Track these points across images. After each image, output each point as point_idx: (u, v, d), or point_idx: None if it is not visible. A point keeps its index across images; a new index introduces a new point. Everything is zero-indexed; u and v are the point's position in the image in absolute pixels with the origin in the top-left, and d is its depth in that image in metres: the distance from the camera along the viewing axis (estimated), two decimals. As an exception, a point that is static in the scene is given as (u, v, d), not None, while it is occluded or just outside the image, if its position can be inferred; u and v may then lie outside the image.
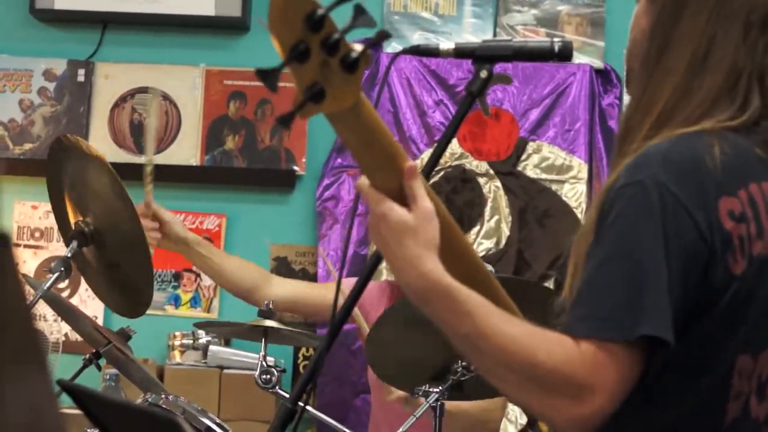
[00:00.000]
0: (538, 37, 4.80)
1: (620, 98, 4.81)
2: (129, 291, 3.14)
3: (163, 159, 4.95)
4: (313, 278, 4.86)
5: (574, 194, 4.73)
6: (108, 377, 3.31)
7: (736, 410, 1.68)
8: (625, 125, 1.76)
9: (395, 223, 1.62)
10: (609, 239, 1.61)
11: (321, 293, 3.54)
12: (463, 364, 2.99)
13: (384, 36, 1.46)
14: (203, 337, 4.66)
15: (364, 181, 1.65)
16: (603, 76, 4.83)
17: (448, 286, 1.61)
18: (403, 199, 1.63)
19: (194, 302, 4.91)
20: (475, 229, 4.76)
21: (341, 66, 1.47)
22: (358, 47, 1.47)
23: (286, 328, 3.24)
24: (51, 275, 3.02)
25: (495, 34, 4.87)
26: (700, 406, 1.67)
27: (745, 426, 1.69)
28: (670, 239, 1.58)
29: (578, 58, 4.75)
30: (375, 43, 1.46)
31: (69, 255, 3.04)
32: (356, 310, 3.58)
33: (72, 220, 3.11)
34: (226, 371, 4.51)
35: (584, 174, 4.73)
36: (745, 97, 1.71)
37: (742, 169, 1.68)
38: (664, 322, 1.56)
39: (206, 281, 4.92)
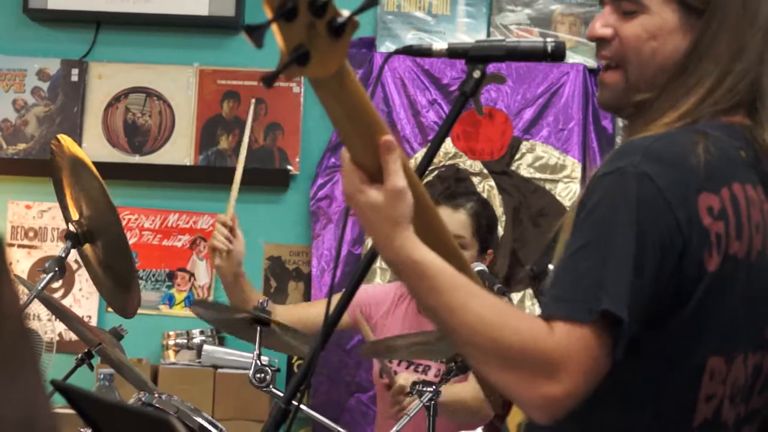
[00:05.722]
0: (532, 37, 4.80)
1: (614, 97, 4.81)
2: (122, 292, 3.15)
3: (156, 159, 4.95)
4: (306, 278, 4.87)
5: (568, 193, 4.74)
6: (102, 377, 3.31)
7: (707, 412, 1.68)
8: (647, 115, 1.76)
9: (364, 203, 1.64)
10: (586, 227, 1.63)
11: (320, 311, 3.53)
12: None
13: (372, 2, 1.45)
14: (197, 337, 4.66)
15: (345, 152, 1.65)
16: (596, 76, 4.82)
17: (418, 261, 1.63)
18: (381, 172, 1.63)
19: (188, 302, 4.90)
20: (469, 229, 4.76)
21: (328, 30, 1.46)
22: (346, 13, 1.46)
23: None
24: (45, 275, 3.02)
25: (488, 34, 4.87)
26: (669, 405, 1.67)
27: (715, 428, 1.70)
28: (644, 228, 1.60)
29: (572, 58, 4.76)
30: (363, 9, 1.45)
31: (63, 255, 3.04)
32: (358, 315, 3.58)
33: (74, 218, 3.13)
34: (220, 370, 4.51)
35: (578, 173, 4.73)
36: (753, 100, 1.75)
37: (726, 169, 1.69)
38: (621, 299, 1.57)
39: (200, 281, 4.92)
